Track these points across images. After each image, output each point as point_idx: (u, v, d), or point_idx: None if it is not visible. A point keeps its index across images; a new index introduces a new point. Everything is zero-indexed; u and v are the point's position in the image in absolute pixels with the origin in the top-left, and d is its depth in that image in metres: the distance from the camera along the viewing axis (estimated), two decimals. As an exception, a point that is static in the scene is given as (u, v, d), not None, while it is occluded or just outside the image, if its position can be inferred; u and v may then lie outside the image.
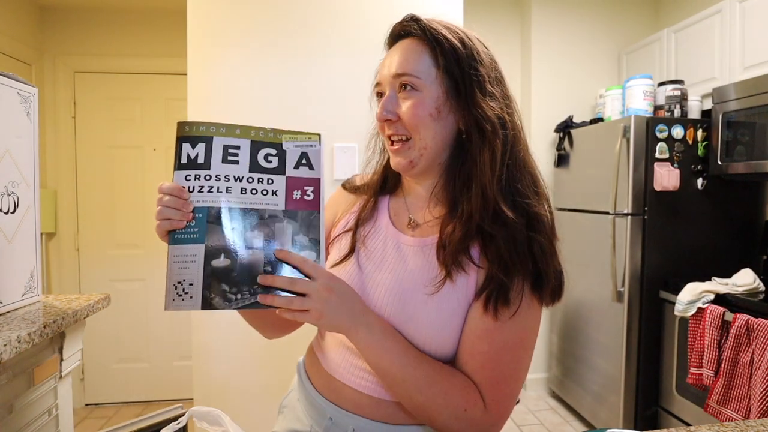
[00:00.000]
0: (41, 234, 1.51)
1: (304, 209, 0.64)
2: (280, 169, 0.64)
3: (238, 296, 0.60)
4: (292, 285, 0.60)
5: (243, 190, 0.63)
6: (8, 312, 1.06)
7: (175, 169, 0.63)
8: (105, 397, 2.92)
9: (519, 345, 0.66)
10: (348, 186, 0.89)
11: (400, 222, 0.77)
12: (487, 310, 0.64)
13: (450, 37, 0.69)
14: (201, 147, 0.62)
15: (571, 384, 2.77)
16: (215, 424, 0.70)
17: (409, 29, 0.71)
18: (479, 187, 0.66)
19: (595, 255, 2.52)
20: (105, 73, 2.85)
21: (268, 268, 0.61)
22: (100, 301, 1.24)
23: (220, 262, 0.61)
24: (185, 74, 1.69)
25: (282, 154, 0.64)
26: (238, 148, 0.63)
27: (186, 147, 0.63)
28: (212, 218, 0.61)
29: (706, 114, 2.38)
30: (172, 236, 0.61)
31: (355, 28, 1.76)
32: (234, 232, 0.62)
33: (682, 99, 2.38)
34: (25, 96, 1.11)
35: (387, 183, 0.82)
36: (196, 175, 0.62)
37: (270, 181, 0.64)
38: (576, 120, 2.91)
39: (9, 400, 0.99)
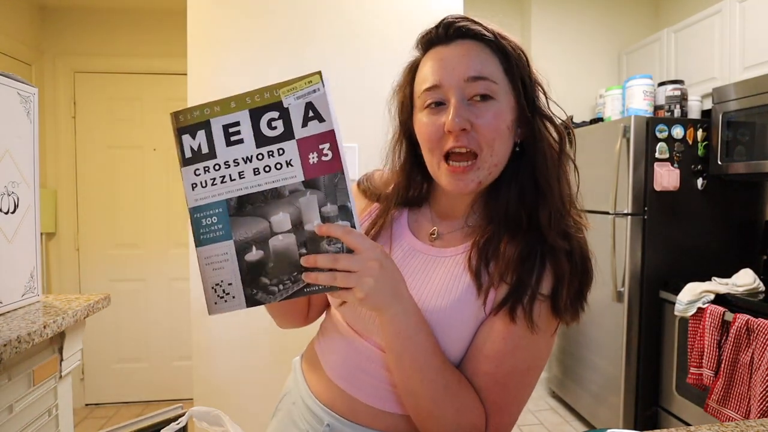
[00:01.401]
0: (41, 234, 1.51)
1: (326, 173, 0.56)
2: (287, 134, 0.57)
3: (280, 287, 0.57)
4: (336, 262, 0.54)
5: (256, 171, 0.57)
6: (8, 312, 1.06)
7: (181, 166, 0.59)
8: (105, 397, 2.92)
9: (527, 371, 0.62)
10: (364, 187, 0.80)
11: (422, 233, 0.72)
12: (506, 326, 0.59)
13: (512, 41, 0.64)
14: (201, 135, 0.58)
15: (571, 384, 2.77)
16: (215, 424, 0.70)
17: (466, 30, 0.63)
18: (549, 201, 0.62)
19: (595, 255, 2.51)
20: (105, 73, 2.85)
21: (303, 250, 0.56)
22: (100, 301, 1.24)
23: (253, 255, 0.57)
24: (185, 74, 1.69)
25: (285, 115, 0.56)
26: (238, 124, 0.57)
27: (186, 139, 0.58)
28: (233, 210, 0.58)
29: (706, 114, 2.38)
30: (198, 238, 0.58)
31: (354, 29, 1.76)
32: (259, 220, 0.57)
33: (682, 99, 2.38)
34: (25, 96, 1.11)
35: (409, 195, 0.74)
36: (204, 168, 0.58)
37: (281, 151, 0.57)
38: (576, 120, 2.91)
39: (9, 400, 0.99)
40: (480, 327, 0.63)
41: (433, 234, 0.71)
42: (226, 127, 0.58)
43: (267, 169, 0.57)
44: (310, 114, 0.56)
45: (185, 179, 0.59)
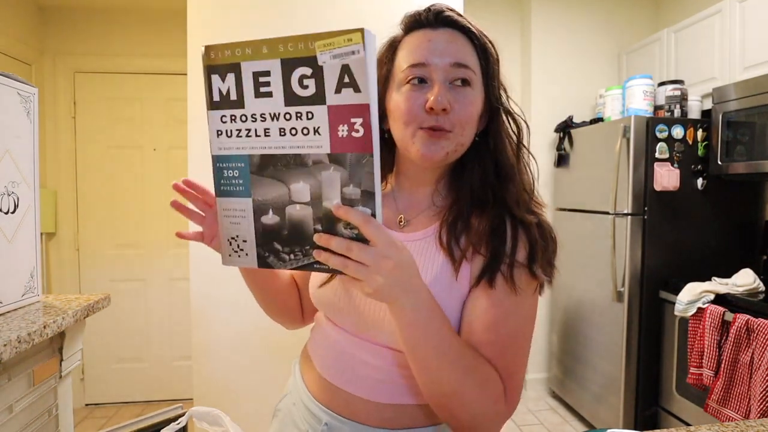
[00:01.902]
0: (41, 234, 1.51)
1: (354, 150, 0.50)
2: (318, 97, 0.50)
3: (291, 256, 0.55)
4: (350, 251, 0.51)
5: (282, 131, 0.53)
6: (8, 312, 1.06)
7: (208, 109, 0.56)
8: (105, 397, 2.93)
9: (523, 332, 0.66)
10: None
11: (390, 223, 0.74)
12: (491, 295, 0.62)
13: (487, 37, 0.69)
14: (231, 79, 0.53)
15: (571, 384, 2.77)
16: (215, 424, 0.70)
17: (454, 20, 0.67)
18: (512, 183, 0.67)
19: (595, 255, 2.52)
20: (105, 73, 2.85)
21: (318, 226, 0.53)
22: (100, 301, 1.24)
23: (269, 218, 0.55)
24: (185, 74, 1.69)
25: (319, 73, 0.50)
26: (268, 74, 0.52)
27: (216, 80, 0.54)
28: (254, 168, 0.55)
29: (706, 114, 2.38)
30: (218, 188, 0.57)
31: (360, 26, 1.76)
32: (279, 184, 0.54)
33: (682, 99, 2.38)
34: (25, 96, 1.11)
35: None
36: (231, 116, 0.54)
37: (309, 115, 0.51)
38: (576, 120, 2.91)
39: (9, 401, 0.99)
40: (466, 303, 0.65)
41: (401, 221, 0.73)
42: (256, 75, 0.52)
43: (293, 131, 0.53)
44: (346, 79, 0.49)
45: (211, 123, 0.56)
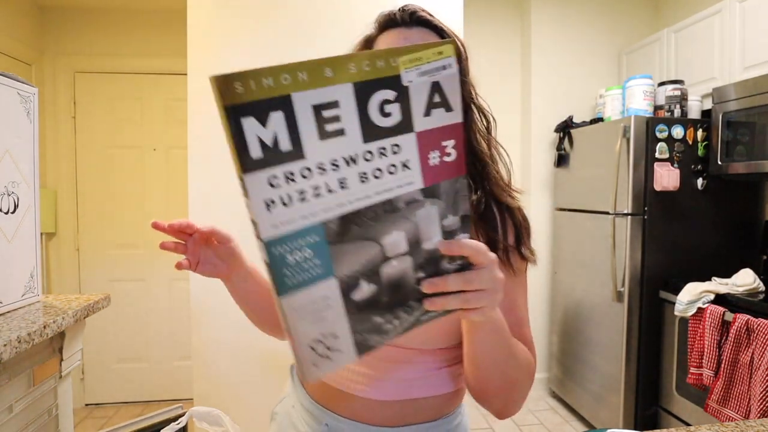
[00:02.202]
0: (41, 234, 1.51)
1: (448, 177, 0.44)
2: (405, 123, 0.42)
3: (395, 322, 0.46)
4: (468, 283, 0.46)
5: (363, 177, 0.41)
6: (8, 312, 1.06)
7: (243, 172, 0.36)
8: (105, 397, 2.93)
9: (526, 306, 0.71)
10: None
11: None
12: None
13: (462, 41, 0.71)
14: (278, 119, 0.36)
15: (571, 384, 2.77)
16: (215, 424, 0.70)
17: (426, 20, 0.70)
18: (490, 171, 0.71)
19: (595, 255, 2.52)
20: (105, 73, 2.85)
21: (421, 274, 0.45)
22: (100, 301, 1.24)
23: (364, 291, 0.44)
24: (185, 74, 1.69)
25: (404, 96, 0.41)
26: (336, 105, 0.39)
27: (250, 126, 0.36)
28: (333, 236, 0.41)
29: (706, 114, 2.38)
30: (281, 282, 0.40)
31: (356, 28, 1.76)
32: (368, 244, 0.43)
33: (682, 99, 2.38)
34: (25, 96, 1.11)
35: None
36: (287, 175, 0.38)
37: (395, 149, 0.42)
38: (576, 120, 2.91)
39: (9, 400, 0.99)
40: None
41: None
42: (318, 109, 0.38)
43: (377, 173, 0.42)
44: (436, 98, 0.42)
45: (253, 193, 0.37)
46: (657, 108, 2.43)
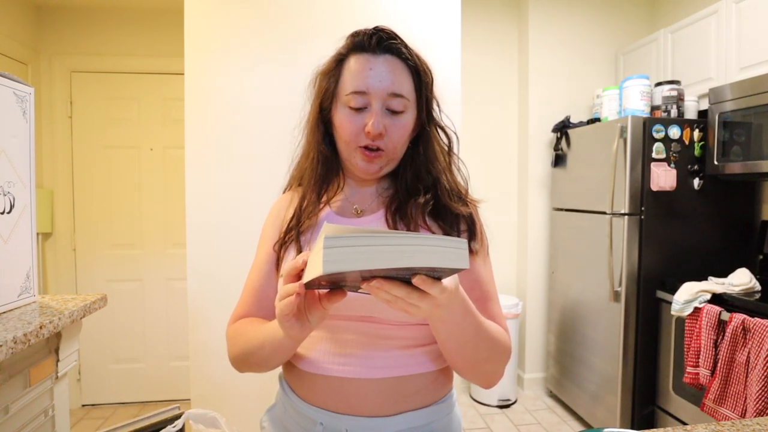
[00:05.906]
0: (37, 234, 1.51)
1: None
2: None
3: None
4: (408, 297, 0.54)
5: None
6: (4, 312, 1.05)
7: None
8: (102, 398, 2.92)
9: (494, 285, 0.78)
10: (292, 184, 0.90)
11: (347, 214, 0.81)
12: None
13: (424, 63, 0.78)
14: None
15: (569, 384, 2.78)
16: (211, 426, 0.70)
17: (395, 48, 0.74)
18: (442, 184, 0.79)
19: (592, 255, 2.52)
20: (102, 73, 2.84)
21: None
22: (97, 302, 1.23)
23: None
24: (182, 74, 1.69)
25: None
26: None
27: None
28: None
29: (702, 114, 2.39)
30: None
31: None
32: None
33: (679, 99, 2.39)
34: (22, 96, 1.10)
35: (326, 170, 0.82)
36: None
37: None
38: (573, 120, 2.91)
39: (5, 402, 0.99)
40: None
41: (357, 211, 0.82)
42: None
43: None
44: None
45: None
46: (654, 108, 2.44)
